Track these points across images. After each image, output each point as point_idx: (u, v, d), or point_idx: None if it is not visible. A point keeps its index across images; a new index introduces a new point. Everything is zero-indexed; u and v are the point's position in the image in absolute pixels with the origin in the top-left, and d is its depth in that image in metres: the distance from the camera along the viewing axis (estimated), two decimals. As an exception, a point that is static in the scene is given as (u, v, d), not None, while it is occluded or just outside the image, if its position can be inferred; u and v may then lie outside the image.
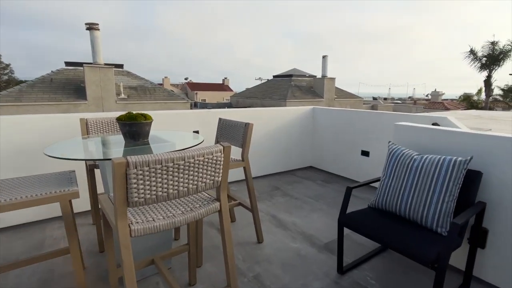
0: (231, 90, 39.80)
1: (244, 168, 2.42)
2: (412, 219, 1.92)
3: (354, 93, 21.04)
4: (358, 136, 4.13)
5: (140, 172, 1.17)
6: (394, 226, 1.89)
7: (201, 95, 37.57)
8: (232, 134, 2.52)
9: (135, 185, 1.18)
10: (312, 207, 3.33)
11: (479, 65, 21.19)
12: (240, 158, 2.45)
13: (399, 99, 45.82)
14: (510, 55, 20.16)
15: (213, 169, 1.41)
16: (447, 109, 24.46)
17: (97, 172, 2.77)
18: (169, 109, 12.66)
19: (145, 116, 2.01)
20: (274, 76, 21.38)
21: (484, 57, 20.90)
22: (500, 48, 20.38)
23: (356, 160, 4.20)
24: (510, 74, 23.14)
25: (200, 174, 1.36)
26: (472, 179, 1.88)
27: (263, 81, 23.67)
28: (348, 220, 2.03)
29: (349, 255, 2.37)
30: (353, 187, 2.14)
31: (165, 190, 1.26)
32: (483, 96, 23.73)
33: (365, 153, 4.07)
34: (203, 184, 1.39)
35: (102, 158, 1.68)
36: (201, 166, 1.35)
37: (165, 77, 39.26)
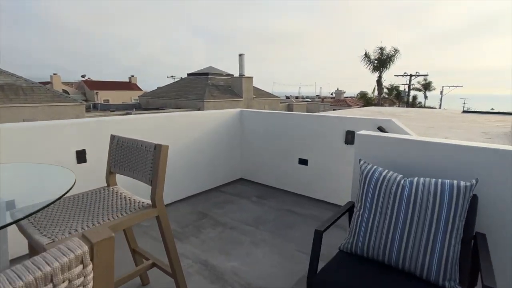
0: (140, 89, 36.10)
1: (158, 217, 1.52)
2: (408, 270, 1.38)
3: (269, 92, 21.47)
4: (294, 142, 3.61)
5: None
6: (387, 285, 1.32)
7: (103, 95, 32.91)
8: (135, 161, 1.58)
9: None
10: (253, 239, 2.63)
11: (372, 67, 24.48)
12: (149, 201, 1.53)
13: (307, 97, 49.68)
14: (393, 59, 23.93)
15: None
16: (349, 105, 27.46)
17: None
18: (55, 113, 10.17)
19: None
20: (188, 74, 20.04)
21: (375, 60, 24.24)
22: (386, 53, 23.94)
23: (293, 169, 3.68)
24: (395, 76, 27.39)
25: None
26: (470, 206, 1.45)
27: (176, 80, 22.02)
28: (320, 285, 1.38)
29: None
30: (324, 230, 1.49)
31: None
32: (376, 93, 27.49)
33: (303, 162, 3.58)
34: None
35: None
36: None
37: (54, 74, 32.66)
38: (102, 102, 27.14)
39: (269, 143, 3.87)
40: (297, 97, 41.73)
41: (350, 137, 3.13)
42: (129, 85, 37.56)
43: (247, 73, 17.94)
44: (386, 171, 1.58)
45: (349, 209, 1.74)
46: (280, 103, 20.03)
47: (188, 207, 3.29)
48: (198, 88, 16.27)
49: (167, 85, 19.69)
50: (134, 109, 17.34)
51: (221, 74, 18.68)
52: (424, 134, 6.06)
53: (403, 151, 1.78)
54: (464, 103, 43.42)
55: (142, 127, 3.00)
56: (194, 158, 3.55)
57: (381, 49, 23.94)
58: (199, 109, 14.64)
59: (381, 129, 2.90)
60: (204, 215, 3.09)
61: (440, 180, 1.41)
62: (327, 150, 3.34)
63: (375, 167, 1.62)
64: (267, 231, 2.77)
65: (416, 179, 1.47)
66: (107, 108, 20.44)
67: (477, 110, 14.48)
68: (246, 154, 4.15)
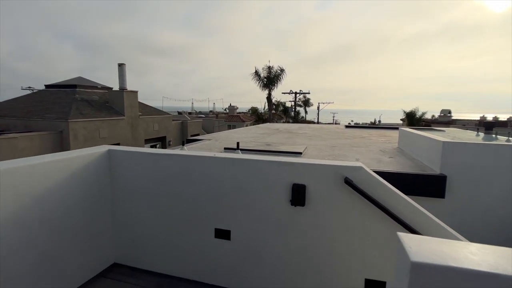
0: (-24, 104, 26.71)
1: None
2: None
3: (158, 108, 19.12)
4: (207, 203, 2.20)
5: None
6: None
7: None
8: None
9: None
10: None
11: (262, 84, 25.47)
12: None
13: (200, 112, 48.41)
14: (280, 78, 25.60)
15: None
16: (243, 121, 27.60)
17: None
18: None
19: None
20: (47, 86, 15.61)
21: (265, 78, 25.34)
22: (274, 72, 25.37)
23: (207, 246, 2.24)
24: (282, 93, 29.39)
25: None
26: None
27: (34, 92, 16.98)
28: None
29: None
30: None
31: None
32: (267, 109, 28.74)
33: (222, 234, 2.20)
34: None
35: None
36: None
37: None
38: None
39: (162, 203, 2.32)
40: (190, 113, 39.87)
41: (299, 195, 1.95)
42: (-44, 98, 27.20)
43: (130, 87, 15.25)
44: None
45: None
46: (173, 120, 17.91)
47: None
48: (61, 104, 12.56)
49: (12, 100, 14.62)
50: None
51: (94, 87, 15.23)
52: (334, 156, 5.61)
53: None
54: (333, 117, 51.36)
55: None
56: (16, 254, 1.66)
57: (269, 68, 25.34)
58: (61, 132, 11.13)
59: (347, 181, 1.83)
60: None
61: None
62: (262, 216, 2.07)
63: None
64: None
65: None
66: None
67: (357, 125, 16.40)
68: (123, 223, 2.46)
